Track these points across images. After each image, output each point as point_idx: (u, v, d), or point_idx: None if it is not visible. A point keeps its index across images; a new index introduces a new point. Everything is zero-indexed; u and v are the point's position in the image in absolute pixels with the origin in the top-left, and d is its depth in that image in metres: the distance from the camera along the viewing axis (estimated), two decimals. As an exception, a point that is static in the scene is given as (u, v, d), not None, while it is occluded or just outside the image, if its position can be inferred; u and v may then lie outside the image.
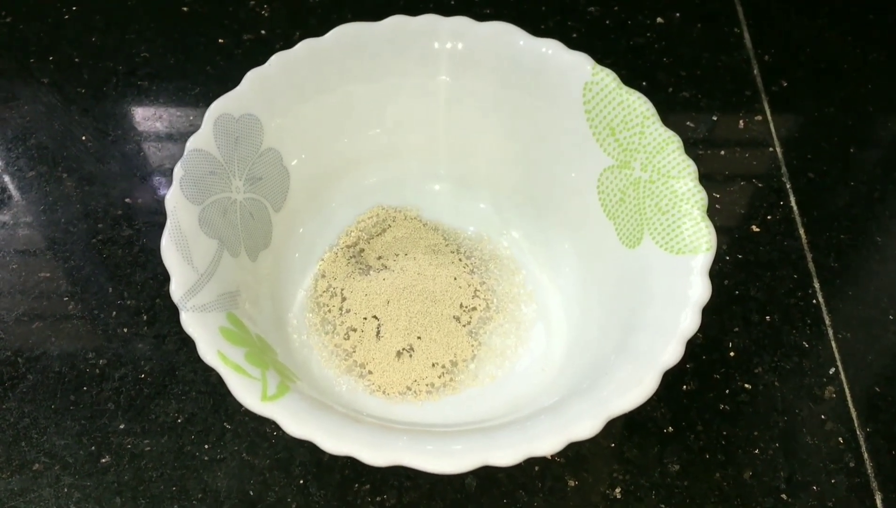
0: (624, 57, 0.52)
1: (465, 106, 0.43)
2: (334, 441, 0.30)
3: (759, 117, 0.50)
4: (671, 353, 0.32)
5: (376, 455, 0.30)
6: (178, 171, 0.35)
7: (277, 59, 0.39)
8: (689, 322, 0.33)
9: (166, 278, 0.42)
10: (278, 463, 0.38)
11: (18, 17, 0.52)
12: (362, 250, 0.42)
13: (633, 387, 0.31)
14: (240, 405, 0.39)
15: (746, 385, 0.41)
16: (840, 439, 0.40)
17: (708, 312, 0.33)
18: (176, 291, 0.33)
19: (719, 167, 0.48)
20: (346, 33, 0.40)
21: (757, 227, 0.46)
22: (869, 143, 0.49)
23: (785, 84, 0.51)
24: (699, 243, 0.35)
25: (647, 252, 0.37)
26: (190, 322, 0.32)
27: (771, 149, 0.49)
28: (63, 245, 0.44)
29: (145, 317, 0.42)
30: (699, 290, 0.34)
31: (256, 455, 0.38)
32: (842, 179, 0.48)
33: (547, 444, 0.30)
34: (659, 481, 0.38)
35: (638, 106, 0.38)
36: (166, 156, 0.47)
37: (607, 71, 0.39)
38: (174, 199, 0.35)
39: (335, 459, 0.38)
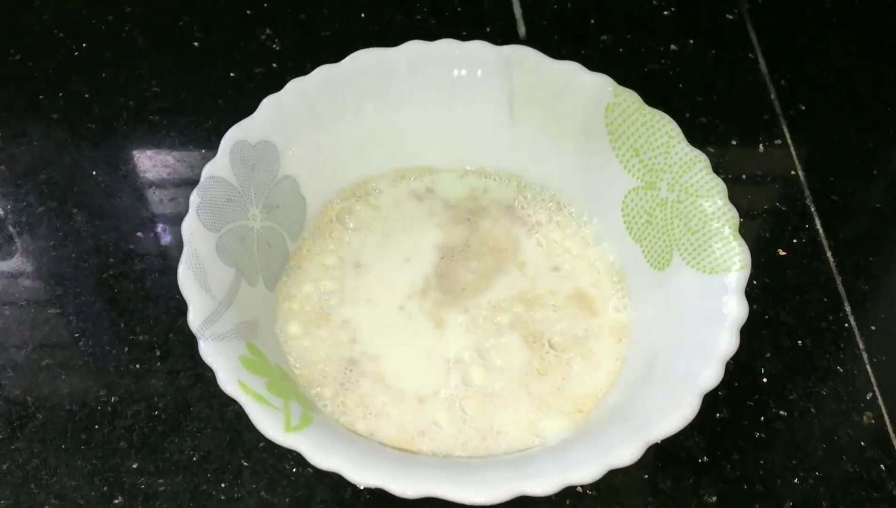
0: (639, 84, 0.51)
1: (483, 134, 0.42)
2: (362, 472, 0.29)
3: (778, 141, 0.49)
4: (710, 375, 0.31)
5: (406, 485, 0.28)
6: (194, 198, 0.34)
7: (293, 86, 0.38)
8: (727, 343, 0.32)
9: (179, 312, 0.42)
10: (298, 501, 0.37)
11: (28, 54, 0.51)
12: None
13: (673, 411, 0.30)
14: (257, 442, 0.38)
15: (782, 412, 0.40)
16: (882, 466, 0.38)
17: (738, 337, 0.32)
18: (194, 320, 0.32)
19: (741, 192, 0.47)
20: (363, 59, 0.39)
21: (783, 251, 0.45)
22: (891, 164, 0.49)
23: (803, 108, 0.51)
24: (732, 261, 0.34)
25: (678, 273, 0.36)
26: (209, 352, 0.31)
27: (793, 172, 0.48)
28: (73, 281, 0.42)
29: (158, 352, 0.40)
30: (735, 309, 0.32)
31: (275, 494, 0.37)
32: (866, 201, 0.47)
33: (585, 473, 0.29)
34: (696, 513, 0.37)
35: (662, 126, 0.38)
36: (178, 189, 0.46)
37: (629, 92, 0.38)
38: (191, 226, 0.34)
39: (358, 496, 0.37)
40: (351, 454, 0.29)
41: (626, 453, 0.29)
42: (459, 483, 0.29)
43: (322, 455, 0.29)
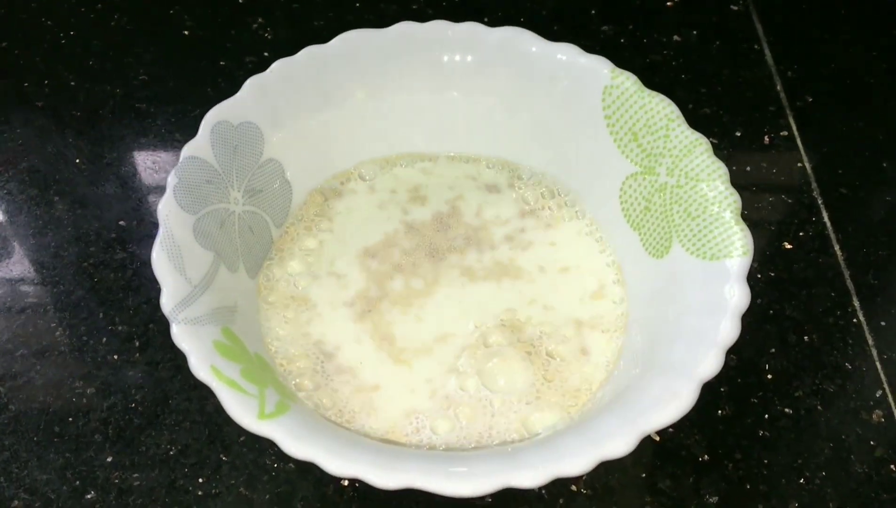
0: (641, 75, 0.50)
1: (475, 121, 0.41)
2: (339, 462, 0.27)
3: (784, 133, 0.48)
4: (710, 364, 0.29)
5: (387, 477, 0.27)
6: (171, 178, 0.33)
7: (278, 66, 0.37)
8: (728, 331, 0.30)
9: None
10: (279, 498, 0.35)
11: (13, 42, 0.50)
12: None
13: (670, 401, 0.28)
14: (237, 436, 0.36)
15: (787, 410, 0.38)
16: (892, 466, 0.36)
17: (741, 332, 0.30)
18: (167, 302, 0.30)
19: (746, 183, 0.45)
20: (351, 39, 0.38)
21: (789, 243, 0.43)
22: (902, 157, 0.47)
23: (810, 99, 0.49)
24: (733, 246, 0.32)
25: (677, 260, 0.34)
26: (181, 335, 0.29)
27: (799, 164, 0.46)
28: (52, 270, 0.41)
29: (137, 343, 0.39)
30: (737, 296, 0.31)
31: (255, 490, 0.35)
32: (876, 193, 0.45)
33: (575, 464, 0.27)
34: (696, 514, 0.35)
35: (662, 109, 0.36)
36: (163, 178, 0.44)
37: (627, 74, 0.37)
38: (167, 207, 0.32)
39: (341, 493, 0.35)
40: (328, 443, 0.28)
41: (620, 444, 0.27)
42: (444, 474, 0.27)
43: (297, 444, 0.27)
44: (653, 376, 0.30)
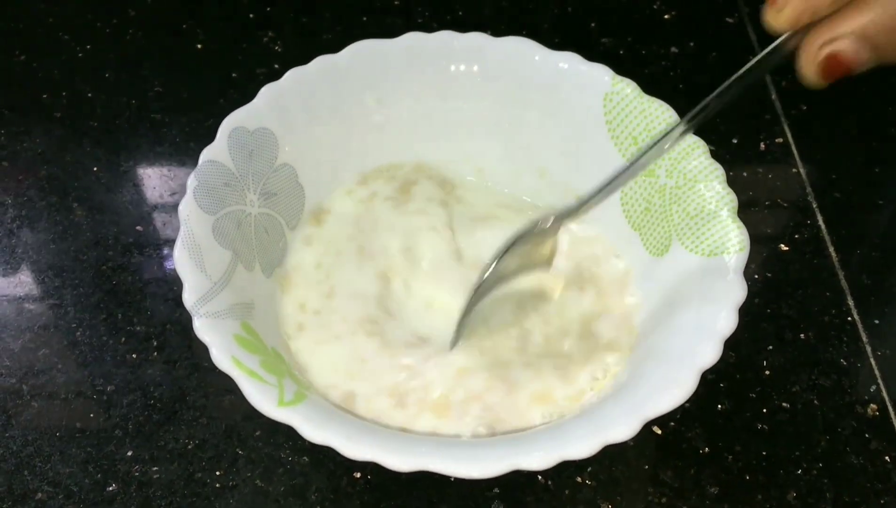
0: (640, 85, 0.51)
1: (481, 128, 0.42)
2: (356, 447, 0.28)
3: (779, 140, 0.49)
4: (710, 353, 0.30)
5: (401, 460, 0.28)
6: (191, 181, 0.34)
7: (292, 75, 0.39)
8: (726, 322, 0.31)
9: (177, 304, 0.41)
10: (293, 490, 0.36)
11: (32, 56, 0.52)
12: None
13: (671, 388, 0.30)
14: (253, 430, 0.37)
15: (784, 404, 0.39)
16: (887, 458, 0.38)
17: (739, 330, 0.31)
18: (189, 297, 0.31)
19: (743, 189, 0.47)
20: (362, 49, 0.40)
21: (785, 246, 0.44)
22: (894, 163, 0.48)
23: (804, 107, 0.51)
24: (730, 243, 0.34)
25: (677, 258, 0.36)
26: (203, 329, 0.31)
27: (794, 170, 0.48)
28: (72, 273, 0.42)
29: (155, 343, 0.40)
30: (734, 290, 0.32)
31: (270, 482, 0.36)
32: (869, 198, 0.47)
33: (581, 448, 0.28)
34: (697, 503, 0.36)
35: (660, 113, 0.38)
36: (179, 185, 0.46)
37: (627, 81, 0.38)
38: (188, 208, 0.34)
39: (353, 485, 0.36)
40: (344, 429, 0.29)
41: (624, 429, 0.29)
42: (455, 457, 0.28)
43: (314, 430, 0.28)
44: (655, 366, 0.32)
